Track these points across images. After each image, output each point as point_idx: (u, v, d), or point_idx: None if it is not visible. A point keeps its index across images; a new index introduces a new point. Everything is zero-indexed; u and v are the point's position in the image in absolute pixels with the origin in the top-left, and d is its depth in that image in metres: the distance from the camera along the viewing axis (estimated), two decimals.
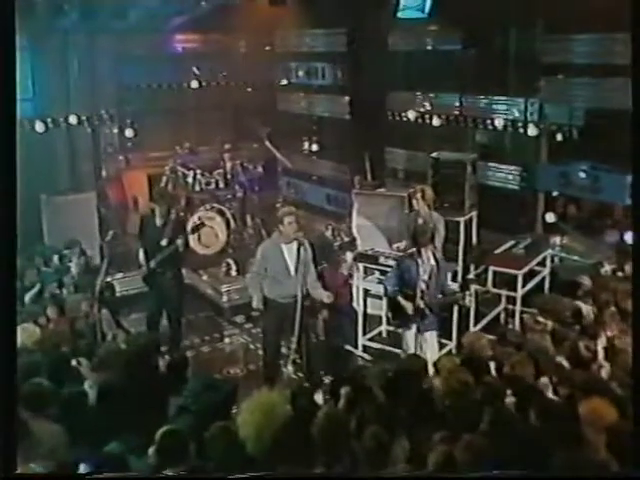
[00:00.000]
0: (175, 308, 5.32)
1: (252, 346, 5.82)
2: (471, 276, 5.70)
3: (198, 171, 7.88)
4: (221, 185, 7.90)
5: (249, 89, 9.49)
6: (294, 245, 4.50)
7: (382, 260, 5.45)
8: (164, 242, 5.11)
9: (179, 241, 5.08)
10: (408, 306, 4.48)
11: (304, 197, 9.25)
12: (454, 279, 5.26)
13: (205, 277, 6.99)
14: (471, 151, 6.80)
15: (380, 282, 5.49)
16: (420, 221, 5.39)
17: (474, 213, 6.06)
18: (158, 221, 5.17)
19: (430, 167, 6.04)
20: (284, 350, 4.77)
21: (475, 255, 5.92)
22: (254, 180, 7.96)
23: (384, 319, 5.78)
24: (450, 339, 5.29)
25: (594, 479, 2.30)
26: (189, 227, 7.22)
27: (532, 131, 6.42)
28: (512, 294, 5.34)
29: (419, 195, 5.30)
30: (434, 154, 6.17)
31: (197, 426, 2.79)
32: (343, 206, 8.59)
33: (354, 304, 5.75)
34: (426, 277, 4.48)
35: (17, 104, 2.37)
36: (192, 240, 7.49)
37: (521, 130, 6.52)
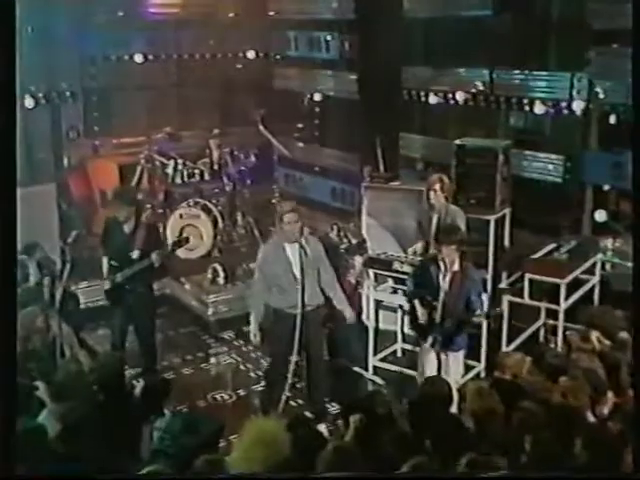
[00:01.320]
0: (145, 327, 5.17)
1: (243, 367, 5.87)
2: (503, 285, 5.72)
3: (179, 160, 7.88)
4: (207, 177, 7.91)
5: (240, 64, 9.49)
6: (297, 247, 4.53)
7: (396, 266, 5.48)
8: (134, 254, 4.86)
9: (154, 255, 4.80)
10: (421, 313, 4.52)
11: (305, 192, 9.28)
12: (483, 289, 5.08)
13: (187, 286, 7.05)
14: (504, 137, 6.69)
15: (394, 292, 5.62)
16: (435, 217, 5.42)
17: (507, 210, 6.03)
18: (126, 227, 4.94)
19: (454, 156, 6.02)
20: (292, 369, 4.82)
21: (508, 260, 5.90)
22: (246, 171, 7.98)
23: (399, 336, 5.90)
24: (478, 360, 5.33)
25: (594, 479, 2.59)
26: (169, 229, 7.40)
27: (578, 110, 6.16)
28: (553, 307, 5.32)
29: (437, 186, 5.32)
30: (459, 140, 6.14)
31: (175, 471, 2.82)
32: (351, 202, 8.68)
33: (363, 318, 5.84)
34: (446, 286, 4.48)
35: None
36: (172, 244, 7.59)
37: (565, 111, 6.32)
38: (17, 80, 2.54)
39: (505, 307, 5.13)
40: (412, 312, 4.70)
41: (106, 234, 5.05)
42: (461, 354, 4.69)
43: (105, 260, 5.02)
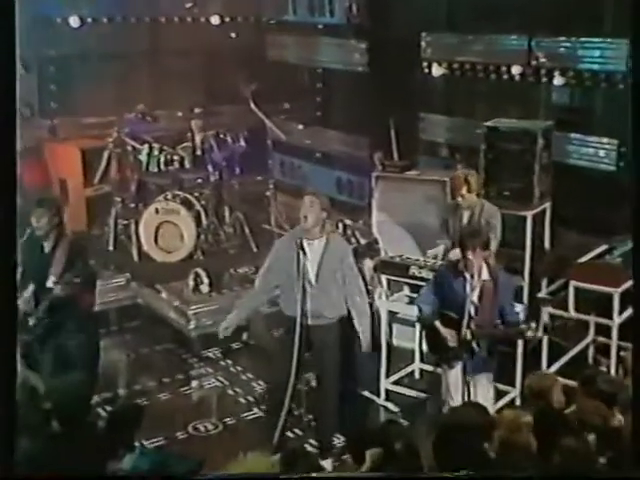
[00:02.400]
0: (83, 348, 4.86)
1: (231, 391, 5.87)
2: (543, 294, 5.67)
3: (155, 145, 7.87)
4: (188, 165, 7.93)
5: (227, 31, 9.40)
6: (317, 243, 4.52)
7: (414, 271, 5.50)
8: (50, 281, 4.40)
9: (58, 286, 4.34)
10: (450, 335, 4.48)
11: (305, 182, 9.29)
12: (518, 299, 5.16)
13: (164, 294, 7.03)
14: (544, 117, 6.76)
15: (411, 302, 5.61)
16: (466, 216, 5.41)
17: (547, 205, 5.98)
18: (46, 245, 4.54)
19: (484, 140, 5.99)
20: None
21: (549, 265, 5.86)
22: (234, 158, 7.98)
23: (417, 354, 5.89)
24: (512, 384, 5.31)
25: (594, 479, 2.90)
26: (143, 227, 7.40)
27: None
28: (605, 321, 5.26)
29: (464, 190, 5.35)
30: (490, 122, 6.09)
31: None
32: (359, 195, 8.70)
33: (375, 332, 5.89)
34: (475, 297, 4.46)
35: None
36: (145, 242, 7.57)
37: (620, 86, 6.06)
38: None
39: (545, 321, 5.09)
40: (431, 338, 4.68)
41: (23, 253, 4.39)
42: (490, 377, 4.67)
43: (29, 290, 4.49)
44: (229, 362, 6.34)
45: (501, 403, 5.07)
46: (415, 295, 5.38)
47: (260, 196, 8.44)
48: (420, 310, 4.71)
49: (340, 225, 7.42)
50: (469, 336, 4.40)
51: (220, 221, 7.96)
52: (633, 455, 2.83)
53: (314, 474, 2.90)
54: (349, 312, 4.72)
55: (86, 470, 3.21)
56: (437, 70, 7.58)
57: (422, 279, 5.32)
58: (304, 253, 4.50)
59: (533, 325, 4.33)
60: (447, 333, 4.48)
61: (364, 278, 4.97)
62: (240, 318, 4.84)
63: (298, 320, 4.50)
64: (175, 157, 7.86)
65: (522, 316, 4.75)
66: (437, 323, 4.53)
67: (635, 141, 3.06)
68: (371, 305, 5.97)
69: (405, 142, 7.30)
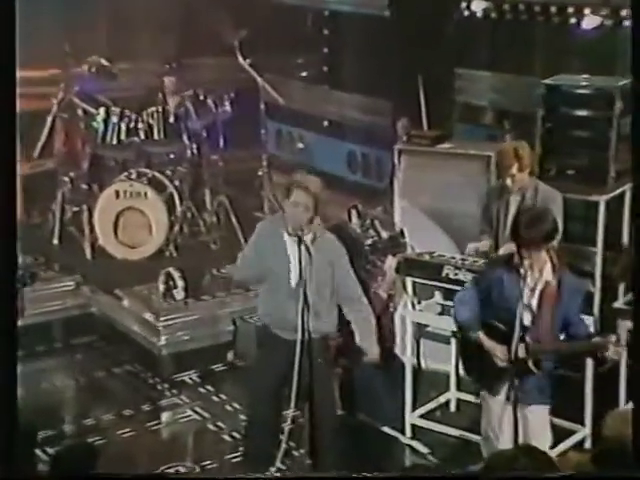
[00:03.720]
0: None
1: (212, 426, 5.90)
2: (620, 304, 5.61)
3: (114, 108, 7.86)
4: (157, 135, 7.92)
5: None
6: (296, 242, 4.65)
7: (448, 272, 5.47)
8: None
9: None
10: (498, 351, 4.43)
11: (308, 158, 9.31)
12: (587, 309, 5.03)
13: (126, 302, 7.12)
14: (622, 73, 6.44)
15: (444, 312, 5.61)
16: (515, 202, 5.35)
17: (626, 187, 5.72)
18: None
19: (542, 102, 5.91)
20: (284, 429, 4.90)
21: (627, 265, 5.64)
22: (217, 126, 8.00)
23: (452, 379, 5.86)
24: (581, 422, 5.30)
25: (594, 479, 3.23)
26: (98, 215, 7.40)
27: None
28: None
29: (514, 168, 5.31)
30: (550, 79, 6.00)
31: None
32: (378, 175, 8.72)
33: (397, 350, 5.94)
34: (534, 303, 4.39)
35: None
36: (101, 234, 7.58)
37: None
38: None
39: (622, 336, 5.00)
40: (471, 355, 4.67)
41: None
42: (547, 410, 4.57)
43: None
44: (210, 389, 6.36)
45: (564, 446, 5.01)
46: (449, 303, 5.33)
47: (250, 176, 8.46)
48: (457, 320, 4.67)
49: (354, 213, 7.40)
50: (522, 353, 4.30)
51: (199, 207, 7.97)
52: (633, 455, 3.18)
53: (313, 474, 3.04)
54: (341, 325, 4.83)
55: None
56: (478, 4, 7.48)
57: (458, 282, 5.31)
58: (299, 251, 4.60)
59: (613, 338, 4.22)
60: (494, 348, 4.42)
61: (362, 283, 4.99)
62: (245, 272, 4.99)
63: (299, 336, 4.54)
64: (140, 125, 7.83)
65: (592, 330, 4.71)
66: (480, 335, 4.48)
67: (635, 141, 3.16)
68: (391, 315, 6.06)
69: (437, 106, 7.28)
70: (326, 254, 4.72)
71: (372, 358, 4.88)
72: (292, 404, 4.60)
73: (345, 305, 4.82)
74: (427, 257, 5.65)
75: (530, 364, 4.35)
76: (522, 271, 4.32)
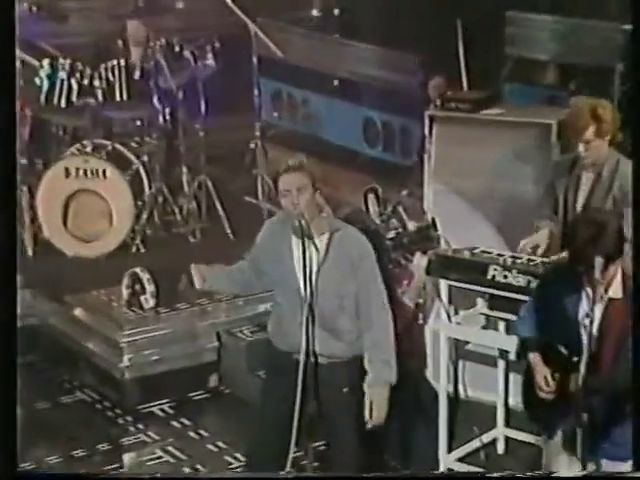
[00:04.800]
0: None
1: (188, 469, 5.97)
2: None
3: (63, 61, 7.86)
4: (119, 96, 7.98)
5: None
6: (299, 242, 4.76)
7: (495, 274, 5.50)
8: None
9: None
10: (547, 380, 4.52)
11: (313, 127, 9.42)
12: None
13: (79, 311, 7.14)
14: None
15: (487, 325, 5.71)
16: (588, 180, 5.34)
17: None
18: None
19: (621, 54, 6.12)
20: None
21: None
22: (197, 86, 8.05)
23: (500, 411, 5.89)
24: None
25: (594, 479, 4.01)
26: (40, 201, 7.42)
27: None
28: None
29: (590, 132, 5.28)
30: (631, 24, 6.00)
31: None
32: (403, 149, 8.76)
33: (428, 374, 5.96)
34: (596, 322, 4.36)
35: None
36: (46, 223, 7.60)
37: None
38: None
39: None
40: (524, 371, 4.74)
41: None
42: (628, 467, 4.43)
43: None
44: (186, 422, 6.38)
45: None
46: (496, 314, 5.43)
47: (239, 150, 8.52)
48: (516, 330, 4.80)
49: (371, 198, 7.34)
50: (579, 383, 4.34)
51: (174, 190, 8.02)
52: (633, 455, 3.75)
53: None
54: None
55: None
56: None
57: (509, 287, 5.33)
58: (304, 251, 4.68)
59: None
60: (544, 375, 4.51)
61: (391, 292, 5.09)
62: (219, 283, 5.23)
63: (302, 357, 4.64)
64: (97, 83, 7.84)
65: None
66: (532, 357, 4.57)
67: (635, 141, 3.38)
68: (421, 330, 6.00)
69: (481, 60, 7.31)
70: (346, 254, 4.81)
71: (387, 379, 4.83)
72: (292, 442, 4.65)
73: (364, 319, 4.87)
74: (467, 254, 5.66)
75: (595, 402, 4.36)
76: (584, 282, 4.36)
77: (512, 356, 5.20)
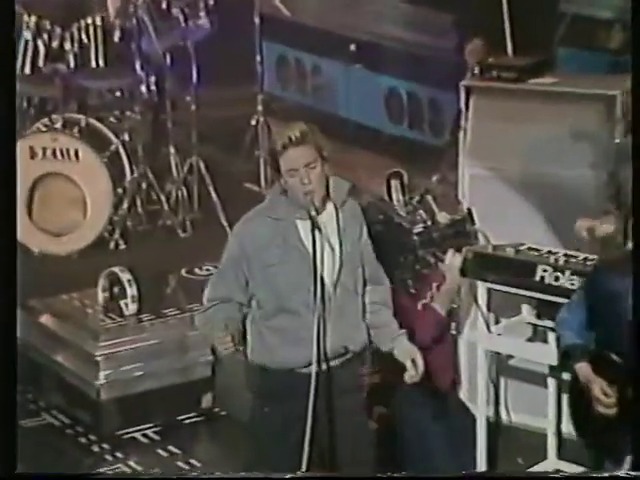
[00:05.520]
0: None
1: None
2: None
3: (29, 18, 7.94)
4: (95, 61, 8.02)
5: None
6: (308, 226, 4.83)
7: (544, 275, 5.55)
8: None
9: None
10: (597, 390, 4.59)
11: (326, 100, 9.46)
12: None
13: (47, 318, 7.16)
14: None
15: (534, 336, 5.79)
16: None
17: None
18: None
19: None
20: None
21: None
22: (188, 51, 8.11)
23: (551, 439, 5.93)
24: None
25: (594, 479, 4.34)
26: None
27: None
28: None
29: None
30: None
31: None
32: (433, 126, 8.81)
33: (463, 394, 6.02)
34: None
35: None
36: None
37: None
38: None
39: None
40: (577, 388, 4.81)
41: None
42: None
43: None
44: (174, 450, 6.44)
45: None
46: (545, 323, 5.48)
47: (238, 127, 8.62)
48: (562, 343, 4.84)
49: (394, 184, 7.29)
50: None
51: (160, 174, 8.09)
52: (633, 455, 4.21)
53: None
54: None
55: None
56: None
57: (560, 291, 5.38)
58: (314, 236, 4.79)
59: None
60: (601, 386, 4.57)
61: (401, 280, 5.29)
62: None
63: (314, 368, 4.68)
64: (68, 46, 7.87)
65: None
66: (580, 368, 4.64)
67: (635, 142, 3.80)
68: (454, 341, 6.12)
69: (530, 20, 7.25)
70: (354, 227, 4.93)
71: (413, 377, 4.91)
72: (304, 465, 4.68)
73: (373, 308, 5.02)
74: (511, 252, 5.67)
75: None
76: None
77: (564, 374, 5.29)
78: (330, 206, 4.86)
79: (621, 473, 4.37)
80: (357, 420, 5.02)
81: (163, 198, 7.99)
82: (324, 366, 4.79)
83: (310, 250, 4.79)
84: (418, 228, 6.31)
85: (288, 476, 4.32)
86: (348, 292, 4.91)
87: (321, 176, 4.76)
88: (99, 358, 6.67)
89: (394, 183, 6.91)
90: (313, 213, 4.71)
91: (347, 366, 4.92)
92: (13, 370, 4.23)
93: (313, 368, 4.68)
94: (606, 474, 4.43)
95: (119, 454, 6.40)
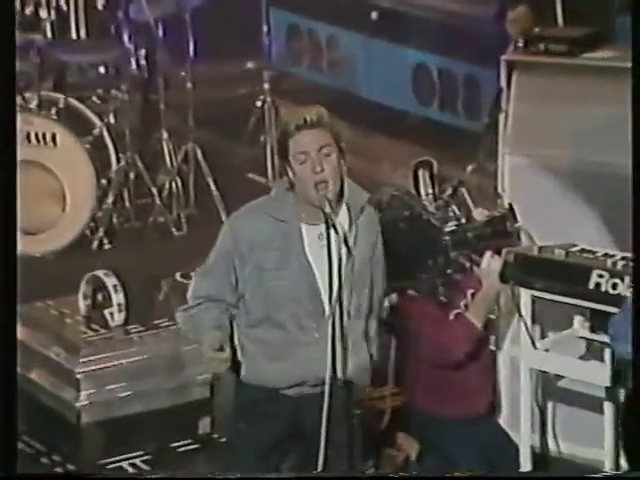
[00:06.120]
0: None
1: None
2: None
3: None
4: (76, 32, 8.08)
5: None
6: (321, 229, 4.84)
7: (600, 281, 5.58)
8: None
9: None
10: None
11: (344, 78, 9.47)
12: None
13: (20, 329, 6.91)
14: None
15: (588, 353, 5.81)
16: None
17: None
18: None
19: None
20: None
21: None
22: (183, 20, 8.13)
23: (609, 472, 5.88)
24: None
25: (594, 479, 4.88)
26: None
27: None
28: None
29: None
30: None
31: None
32: (469, 109, 8.89)
33: (503, 421, 6.11)
34: None
35: None
36: None
37: None
38: None
39: None
40: (630, 411, 4.89)
41: None
42: None
43: None
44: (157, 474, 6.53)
45: None
46: (599, 337, 5.57)
47: (241, 109, 8.71)
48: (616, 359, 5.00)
49: (422, 174, 7.27)
50: None
51: (150, 163, 8.14)
52: (633, 455, 4.57)
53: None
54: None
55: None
56: None
57: (617, 301, 5.34)
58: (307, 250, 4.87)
59: None
60: None
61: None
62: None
63: (327, 389, 4.76)
64: (44, 13, 7.91)
65: None
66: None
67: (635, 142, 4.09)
68: (492, 358, 6.16)
69: None
70: (370, 233, 4.99)
71: None
72: None
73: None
74: (560, 254, 5.67)
75: None
76: None
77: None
78: (343, 210, 4.87)
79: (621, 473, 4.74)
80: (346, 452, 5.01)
81: (154, 191, 8.02)
82: (316, 390, 4.81)
83: (313, 262, 4.84)
84: (450, 226, 6.26)
85: (288, 476, 4.69)
86: (348, 314, 4.89)
87: (336, 168, 4.75)
88: (80, 376, 6.66)
89: (422, 174, 6.87)
90: (328, 210, 4.67)
91: (338, 393, 4.88)
92: (13, 370, 4.52)
93: (325, 393, 4.70)
94: (606, 474, 4.93)
95: None
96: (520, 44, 6.53)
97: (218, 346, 4.80)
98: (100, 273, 6.92)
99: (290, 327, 4.87)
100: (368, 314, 5.04)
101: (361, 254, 4.91)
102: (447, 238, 6.14)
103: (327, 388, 4.75)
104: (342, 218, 4.86)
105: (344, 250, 4.75)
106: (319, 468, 4.80)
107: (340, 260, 4.71)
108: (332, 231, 4.73)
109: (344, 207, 4.89)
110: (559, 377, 5.88)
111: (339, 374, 4.83)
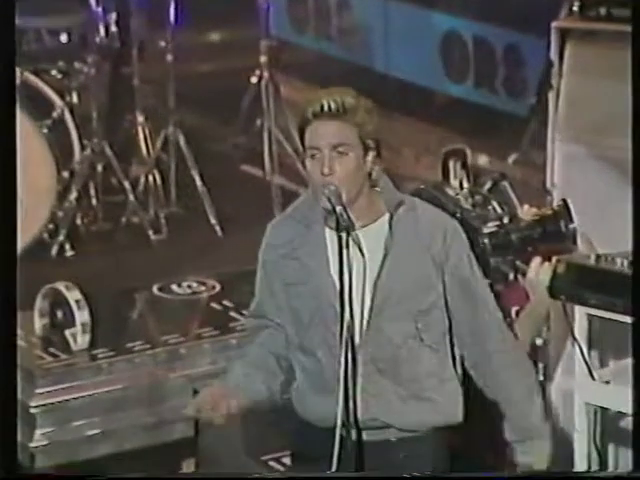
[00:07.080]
0: None
1: None
2: None
3: None
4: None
5: None
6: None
7: None
8: None
9: None
10: None
11: (359, 51, 9.62)
12: None
13: None
14: None
15: None
16: None
17: None
18: None
19: None
20: None
21: None
22: None
23: None
24: None
25: (594, 479, 5.63)
26: None
27: None
28: None
29: None
30: None
31: None
32: (510, 87, 8.96)
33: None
34: None
35: None
36: None
37: None
38: None
39: None
40: None
41: None
42: None
43: None
44: None
45: None
46: None
47: (233, 87, 8.78)
48: None
49: (453, 165, 7.35)
50: None
51: (123, 152, 8.22)
52: (633, 455, 5.17)
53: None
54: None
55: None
56: None
57: None
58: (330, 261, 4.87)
59: None
60: None
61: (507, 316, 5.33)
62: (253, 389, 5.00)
63: (338, 431, 4.75)
64: None
65: None
66: None
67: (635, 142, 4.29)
68: (542, 386, 6.18)
69: None
70: (421, 241, 4.90)
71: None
72: None
73: (470, 356, 4.99)
74: (622, 264, 5.70)
75: None
76: None
77: None
78: (384, 216, 4.85)
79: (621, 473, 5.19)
80: None
81: (127, 185, 8.08)
82: (352, 434, 4.83)
83: (335, 275, 4.80)
84: (490, 227, 6.34)
85: (287, 476, 5.10)
86: (397, 338, 4.87)
87: (352, 172, 4.73)
88: (35, 410, 6.79)
89: (454, 164, 6.94)
90: (339, 211, 4.64)
91: (385, 448, 4.94)
92: (13, 370, 4.89)
93: (337, 426, 4.71)
94: (606, 474, 5.41)
95: None
96: (575, 8, 6.55)
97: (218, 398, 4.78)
98: (60, 285, 6.99)
99: (321, 356, 4.91)
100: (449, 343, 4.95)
101: (402, 260, 4.89)
102: (486, 241, 6.20)
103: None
104: (377, 225, 4.86)
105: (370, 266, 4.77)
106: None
107: (364, 277, 4.75)
108: (344, 247, 4.68)
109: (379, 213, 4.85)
110: (621, 414, 5.89)
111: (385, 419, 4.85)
